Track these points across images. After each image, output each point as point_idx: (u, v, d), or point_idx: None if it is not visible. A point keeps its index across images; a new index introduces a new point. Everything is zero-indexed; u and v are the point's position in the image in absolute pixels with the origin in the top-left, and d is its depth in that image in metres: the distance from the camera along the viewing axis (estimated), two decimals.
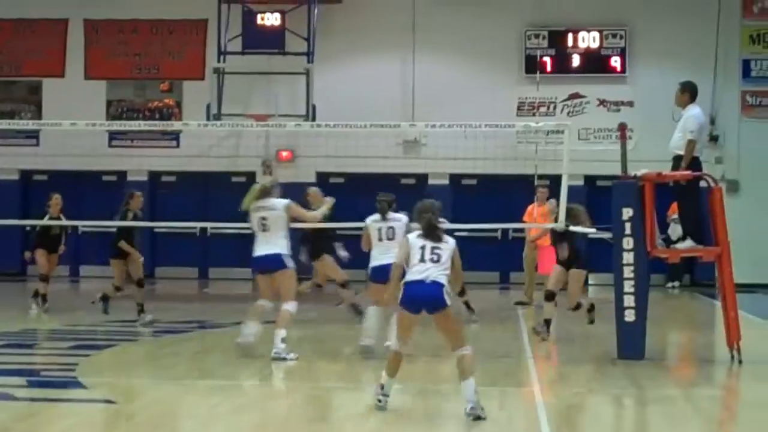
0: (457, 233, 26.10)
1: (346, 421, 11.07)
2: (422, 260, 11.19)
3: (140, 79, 30.15)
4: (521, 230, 24.21)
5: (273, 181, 15.75)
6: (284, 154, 29.17)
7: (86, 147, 26.12)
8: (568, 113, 28.59)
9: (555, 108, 28.80)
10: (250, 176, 28.81)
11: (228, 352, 15.22)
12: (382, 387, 11.29)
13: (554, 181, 20.87)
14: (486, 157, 25.82)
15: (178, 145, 29.33)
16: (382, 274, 13.77)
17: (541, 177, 26.08)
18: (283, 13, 27.68)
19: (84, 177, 28.53)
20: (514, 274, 28.16)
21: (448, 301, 11.12)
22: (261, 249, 14.93)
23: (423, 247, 11.24)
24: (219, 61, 27.84)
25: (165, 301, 19.43)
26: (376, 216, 15.30)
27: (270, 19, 27.61)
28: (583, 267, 17.43)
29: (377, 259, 15.01)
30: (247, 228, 15.49)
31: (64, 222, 20.85)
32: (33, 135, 29.08)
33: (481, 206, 26.65)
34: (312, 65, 27.38)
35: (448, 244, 11.34)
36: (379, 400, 11.23)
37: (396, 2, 29.04)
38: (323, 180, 28.81)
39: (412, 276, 11.21)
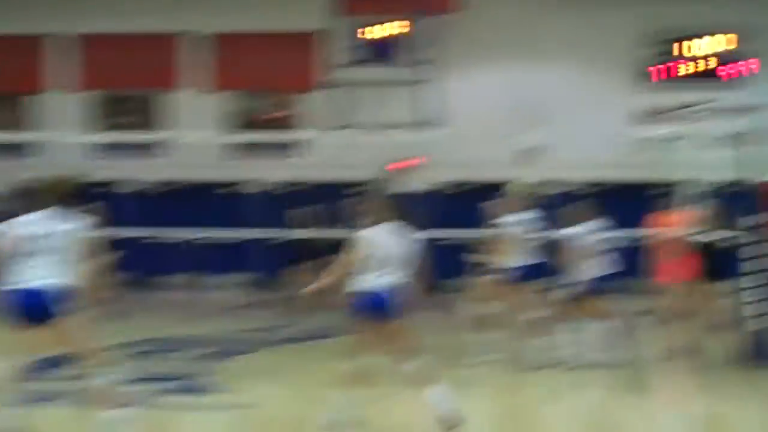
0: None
1: None
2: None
3: (256, 92, 30.47)
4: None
5: None
6: (401, 163, 29.25)
7: (204, 159, 26.43)
8: (683, 120, 28.30)
9: (671, 115, 28.52)
10: (367, 185, 28.94)
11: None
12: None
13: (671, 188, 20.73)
14: (599, 164, 25.90)
15: (294, 156, 29.49)
16: None
17: (655, 185, 25.88)
18: (403, 24, 27.78)
19: (201, 188, 28.84)
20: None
21: None
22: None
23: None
24: (334, 72, 27.99)
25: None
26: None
27: (384, 31, 27.76)
28: None
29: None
30: None
31: None
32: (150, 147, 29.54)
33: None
34: (428, 75, 27.45)
35: None
36: None
37: (511, 12, 28.99)
38: (441, 188, 28.89)
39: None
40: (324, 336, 18.51)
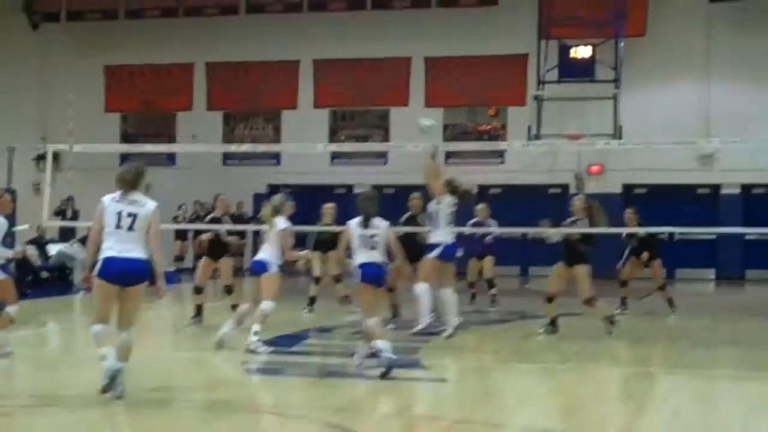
0: (747, 236, 25.78)
1: (647, 402, 11.11)
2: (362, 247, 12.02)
3: (472, 106, 30.73)
4: None
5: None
6: (594, 168, 29.17)
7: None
8: None
9: None
10: (565, 188, 28.94)
11: (543, 339, 15.45)
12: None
13: None
14: None
15: (503, 162, 29.71)
16: None
17: None
18: (594, 46, 27.67)
19: (425, 190, 29.18)
20: None
21: None
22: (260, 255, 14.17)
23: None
24: (538, 88, 28.03)
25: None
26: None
27: (582, 52, 27.67)
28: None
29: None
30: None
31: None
32: (382, 155, 30.10)
33: None
34: (619, 90, 27.25)
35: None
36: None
37: (691, 33, 28.63)
38: (628, 190, 28.69)
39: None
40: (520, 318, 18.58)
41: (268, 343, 13.81)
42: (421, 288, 14.57)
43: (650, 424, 9.77)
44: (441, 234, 14.82)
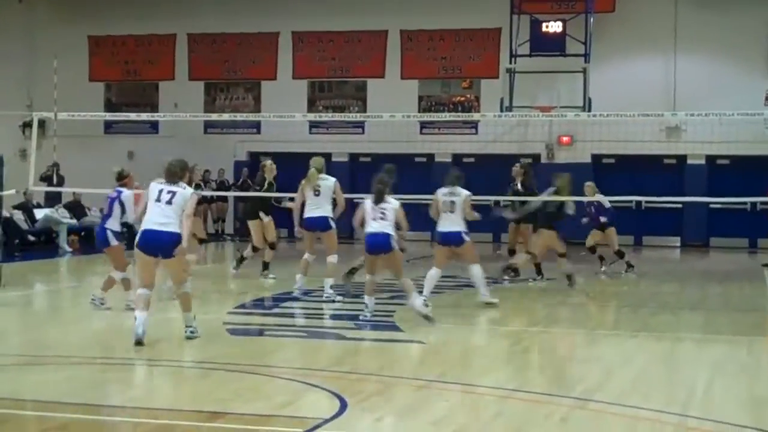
0: (711, 206, 25.98)
1: (614, 363, 11.20)
2: (374, 219, 13.08)
3: (446, 79, 30.71)
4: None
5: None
6: (564, 139, 29.24)
7: (402, 134, 27.00)
8: None
9: None
10: (536, 158, 29.01)
11: (513, 302, 15.54)
12: (367, 306, 13.28)
13: None
14: (738, 140, 25.49)
15: (476, 132, 29.75)
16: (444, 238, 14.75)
17: None
18: (564, 21, 27.60)
19: (399, 159, 29.23)
20: (761, 240, 27.57)
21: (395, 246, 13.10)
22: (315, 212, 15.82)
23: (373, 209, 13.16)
24: (510, 62, 28.01)
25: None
26: (446, 189, 14.77)
27: (553, 27, 27.57)
28: None
29: (443, 226, 14.72)
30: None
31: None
32: (359, 125, 30.09)
33: (733, 183, 26.10)
34: (588, 65, 27.22)
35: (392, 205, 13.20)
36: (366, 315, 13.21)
37: (659, 9, 28.63)
38: (597, 161, 28.79)
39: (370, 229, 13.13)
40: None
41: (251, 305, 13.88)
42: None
43: (617, 384, 9.85)
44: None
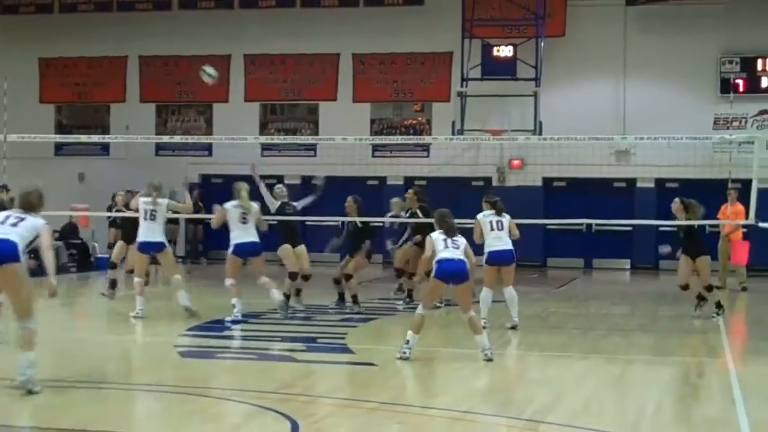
0: (661, 228, 26.10)
1: (565, 385, 11.21)
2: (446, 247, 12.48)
3: (398, 102, 30.76)
4: (716, 226, 23.72)
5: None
6: (515, 162, 29.34)
7: (354, 157, 27.02)
8: (757, 127, 27.86)
9: (746, 122, 28.07)
10: (488, 181, 29.12)
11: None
12: (408, 342, 12.26)
13: (745, 185, 20.59)
14: (686, 164, 25.77)
15: (428, 155, 29.81)
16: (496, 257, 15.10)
17: (734, 181, 25.54)
18: (515, 45, 27.78)
19: (351, 182, 29.24)
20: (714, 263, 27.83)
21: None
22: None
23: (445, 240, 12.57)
24: (462, 86, 28.16)
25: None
26: (489, 212, 15.44)
27: (504, 51, 27.71)
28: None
29: (492, 246, 15.25)
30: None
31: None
32: (311, 148, 30.08)
33: None
34: (539, 88, 27.43)
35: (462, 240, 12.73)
36: (405, 353, 12.14)
37: (609, 34, 28.80)
38: (548, 184, 28.94)
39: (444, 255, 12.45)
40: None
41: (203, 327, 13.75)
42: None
43: (568, 405, 9.87)
44: None
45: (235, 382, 10.87)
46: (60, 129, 32.01)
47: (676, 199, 17.63)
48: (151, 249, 16.48)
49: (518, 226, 15.60)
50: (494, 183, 29.16)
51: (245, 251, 15.99)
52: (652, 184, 28.53)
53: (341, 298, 17.69)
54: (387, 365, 11.94)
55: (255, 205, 16.05)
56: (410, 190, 19.58)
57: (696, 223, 17.46)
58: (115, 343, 12.43)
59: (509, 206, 15.97)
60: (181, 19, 31.55)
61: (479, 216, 15.47)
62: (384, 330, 14.97)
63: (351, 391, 10.49)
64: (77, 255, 26.67)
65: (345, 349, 13.05)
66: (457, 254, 12.46)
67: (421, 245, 17.59)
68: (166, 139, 28.32)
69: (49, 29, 32.20)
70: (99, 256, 26.88)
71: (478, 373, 11.89)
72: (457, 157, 29.12)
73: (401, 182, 29.30)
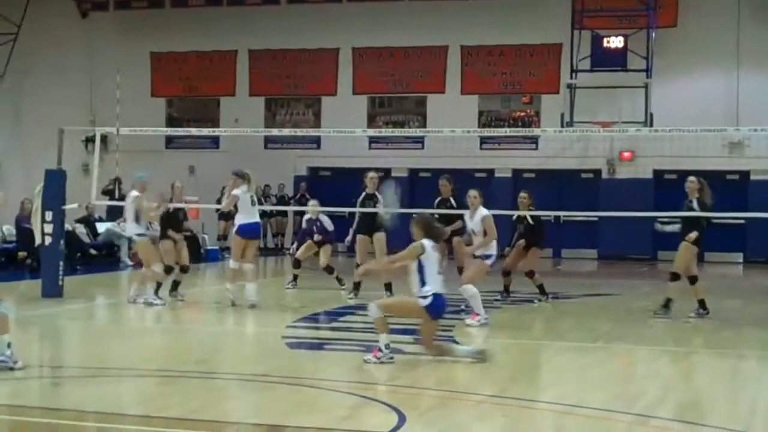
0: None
1: (675, 378, 11.08)
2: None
3: (506, 94, 30.66)
4: None
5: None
6: (626, 154, 29.03)
7: (462, 149, 26.97)
8: None
9: None
10: (597, 173, 28.88)
11: (575, 318, 15.43)
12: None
13: None
14: None
15: (536, 148, 29.67)
16: None
17: None
18: (625, 36, 27.52)
19: (459, 174, 29.15)
20: None
21: None
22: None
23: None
24: (571, 77, 27.97)
25: (522, 276, 19.41)
26: None
27: (614, 42, 27.49)
28: None
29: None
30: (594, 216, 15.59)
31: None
32: (419, 140, 30.12)
33: None
34: (650, 80, 27.14)
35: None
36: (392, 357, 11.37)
37: (722, 24, 28.39)
38: (659, 176, 28.55)
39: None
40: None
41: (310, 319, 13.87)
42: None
43: (677, 400, 9.77)
44: None
45: (343, 374, 10.94)
46: (171, 122, 32.61)
47: None
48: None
49: (626, 219, 15.35)
50: (604, 175, 28.91)
51: (249, 232, 16.44)
52: (766, 177, 28.00)
53: (506, 290, 17.69)
54: (494, 358, 11.89)
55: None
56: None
57: None
58: (223, 335, 12.60)
59: (618, 199, 15.84)
60: (290, 13, 31.87)
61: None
62: (492, 323, 14.87)
63: (457, 384, 10.48)
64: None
65: (452, 342, 13.02)
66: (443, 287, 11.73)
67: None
68: (275, 132, 28.58)
69: (161, 24, 32.77)
70: (208, 248, 27.29)
71: (586, 366, 11.81)
72: (566, 150, 28.93)
73: (509, 174, 29.24)
